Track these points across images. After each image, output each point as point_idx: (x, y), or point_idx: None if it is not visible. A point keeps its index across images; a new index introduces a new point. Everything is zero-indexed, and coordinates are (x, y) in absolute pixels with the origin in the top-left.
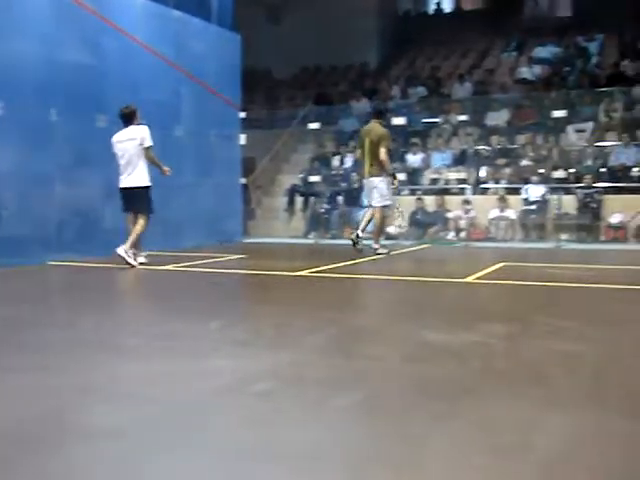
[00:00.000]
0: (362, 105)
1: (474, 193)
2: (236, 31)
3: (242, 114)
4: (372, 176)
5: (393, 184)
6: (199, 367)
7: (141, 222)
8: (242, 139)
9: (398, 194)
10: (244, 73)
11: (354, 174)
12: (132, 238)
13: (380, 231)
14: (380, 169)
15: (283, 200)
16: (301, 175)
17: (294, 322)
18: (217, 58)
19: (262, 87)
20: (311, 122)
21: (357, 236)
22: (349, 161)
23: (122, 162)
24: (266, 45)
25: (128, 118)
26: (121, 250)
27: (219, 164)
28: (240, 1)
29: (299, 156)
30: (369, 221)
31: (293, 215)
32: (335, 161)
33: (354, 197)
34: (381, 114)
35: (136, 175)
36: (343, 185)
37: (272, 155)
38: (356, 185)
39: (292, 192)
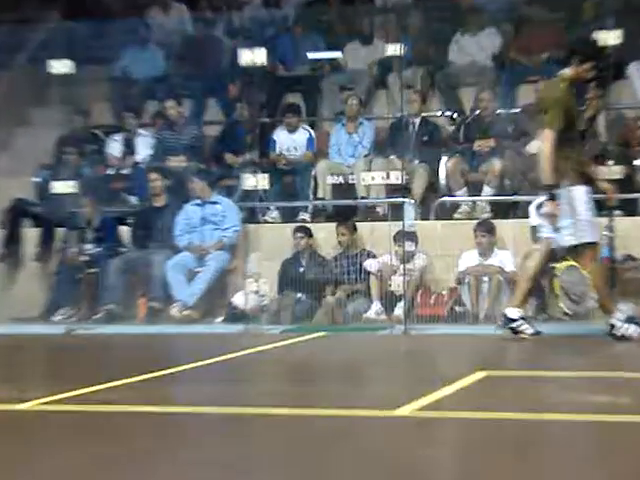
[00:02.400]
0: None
1: (421, 216)
2: None
3: None
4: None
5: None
6: None
7: None
8: None
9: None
10: None
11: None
12: None
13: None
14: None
15: None
16: (36, 179)
17: None
18: None
19: None
20: (57, 57)
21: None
22: (142, 145)
23: None
24: None
25: None
26: None
27: None
28: None
29: (29, 138)
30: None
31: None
32: (114, 146)
33: (160, 229)
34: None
35: None
36: (133, 202)
37: None
38: (160, 203)
39: (14, 217)
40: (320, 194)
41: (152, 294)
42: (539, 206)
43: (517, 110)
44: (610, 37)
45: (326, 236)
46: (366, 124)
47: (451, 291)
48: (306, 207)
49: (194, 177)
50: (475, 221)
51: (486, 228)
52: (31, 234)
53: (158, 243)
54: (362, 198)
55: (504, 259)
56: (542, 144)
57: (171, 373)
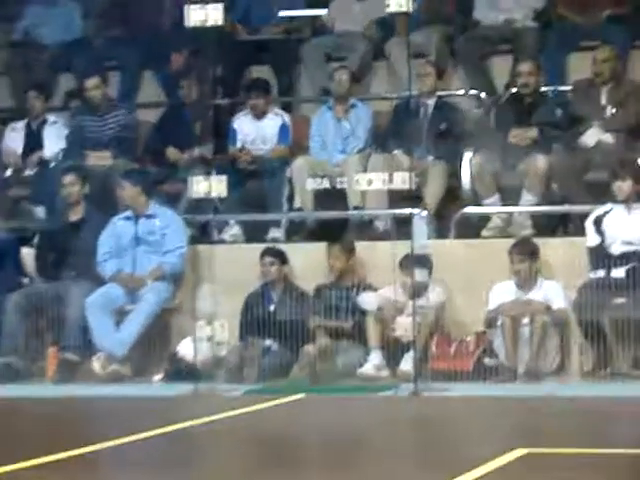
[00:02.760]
0: None
1: (437, 234)
2: None
3: None
4: None
5: None
6: None
7: None
8: None
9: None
10: None
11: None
12: None
13: None
14: None
15: None
16: None
17: None
18: None
19: None
20: None
21: None
22: (52, 136)
23: None
24: None
25: None
26: None
27: None
28: None
29: None
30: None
31: None
32: (13, 138)
33: (77, 252)
34: None
35: None
36: (40, 215)
37: None
38: (77, 216)
39: None
40: (298, 203)
41: (66, 342)
42: (598, 219)
43: (568, 88)
44: None
45: (306, 261)
46: (360, 107)
47: (478, 337)
48: (278, 222)
49: (124, 180)
50: (511, 240)
51: (526, 250)
52: None
53: (74, 272)
54: (356, 209)
55: (551, 293)
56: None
57: (84, 454)
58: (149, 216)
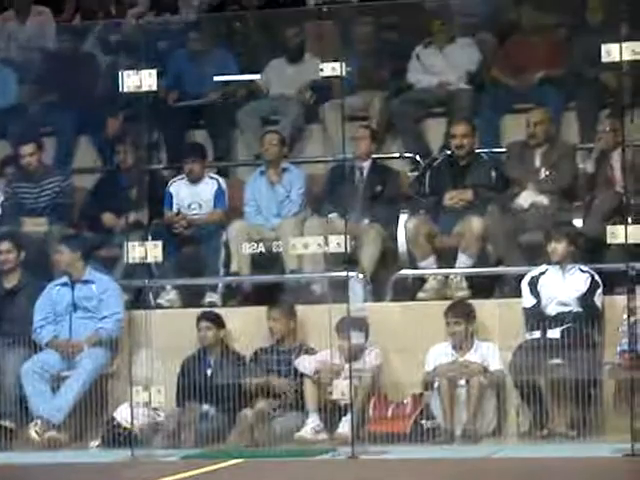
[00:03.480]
0: None
1: (374, 297)
2: None
3: None
4: None
5: None
6: None
7: None
8: None
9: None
10: None
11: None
12: None
13: None
14: None
15: None
16: None
17: None
18: None
19: None
20: None
21: None
22: None
23: None
24: None
25: None
26: None
27: None
28: None
29: None
30: None
31: None
32: None
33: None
34: None
35: None
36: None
37: None
38: (12, 283)
39: None
40: (234, 267)
41: (1, 409)
42: (533, 280)
43: (503, 150)
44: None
45: (242, 325)
46: (293, 171)
47: (416, 399)
48: (215, 286)
49: (62, 246)
50: (447, 302)
51: (462, 312)
52: None
53: (9, 339)
54: (292, 272)
55: (487, 354)
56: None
57: None
58: (86, 282)
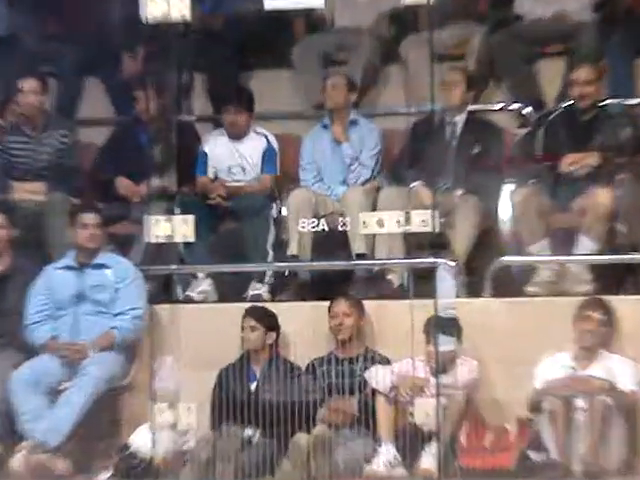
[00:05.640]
0: None
1: (469, 291)
2: None
3: None
4: None
5: None
6: None
7: None
8: None
9: None
10: None
11: None
12: None
13: None
14: None
15: None
16: None
17: None
18: None
19: None
20: None
21: None
22: None
23: None
24: None
25: None
26: None
27: None
28: None
29: None
30: None
31: None
32: None
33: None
34: None
35: None
36: None
37: None
38: (2, 267)
39: None
40: (293, 250)
41: None
42: None
43: (638, 101)
44: None
45: (297, 325)
46: (365, 125)
47: (521, 425)
48: (262, 274)
49: (84, 215)
50: (564, 300)
51: (603, 310)
52: None
53: None
54: (360, 257)
55: (616, 368)
56: None
57: None
58: (98, 266)
